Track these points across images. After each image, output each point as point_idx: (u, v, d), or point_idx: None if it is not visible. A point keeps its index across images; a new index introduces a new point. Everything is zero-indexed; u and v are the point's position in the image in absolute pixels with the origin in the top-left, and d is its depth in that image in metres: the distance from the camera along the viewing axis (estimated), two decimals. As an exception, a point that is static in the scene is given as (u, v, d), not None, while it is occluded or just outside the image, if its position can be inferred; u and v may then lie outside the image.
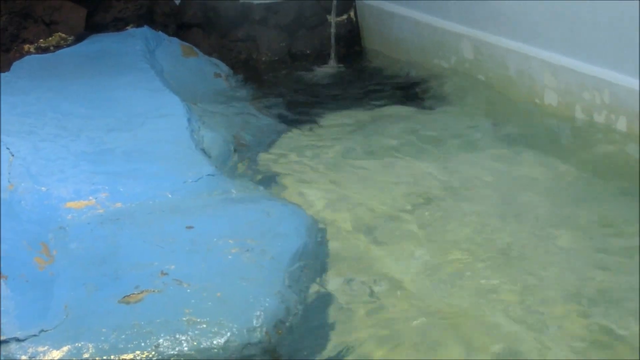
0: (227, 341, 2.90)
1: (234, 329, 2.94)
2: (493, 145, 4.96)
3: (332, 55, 7.10)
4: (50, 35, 5.87)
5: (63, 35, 5.90)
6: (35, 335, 2.87)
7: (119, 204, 3.82)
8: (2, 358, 2.74)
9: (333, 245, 3.83)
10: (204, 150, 4.52)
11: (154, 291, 3.10)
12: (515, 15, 5.57)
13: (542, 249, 3.74)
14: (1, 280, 3.05)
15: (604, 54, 4.88)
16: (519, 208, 4.14)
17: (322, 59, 7.07)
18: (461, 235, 3.89)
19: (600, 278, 3.49)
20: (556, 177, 4.48)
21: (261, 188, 4.41)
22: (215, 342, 2.90)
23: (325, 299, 3.41)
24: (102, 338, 2.87)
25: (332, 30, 7.19)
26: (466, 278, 3.53)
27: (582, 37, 5.04)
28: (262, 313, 3.02)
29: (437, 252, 3.77)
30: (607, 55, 4.85)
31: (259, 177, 4.62)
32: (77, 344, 2.84)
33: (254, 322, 2.99)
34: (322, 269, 3.60)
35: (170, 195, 3.94)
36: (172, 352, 2.85)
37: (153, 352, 2.84)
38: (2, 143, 4.14)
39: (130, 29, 6.25)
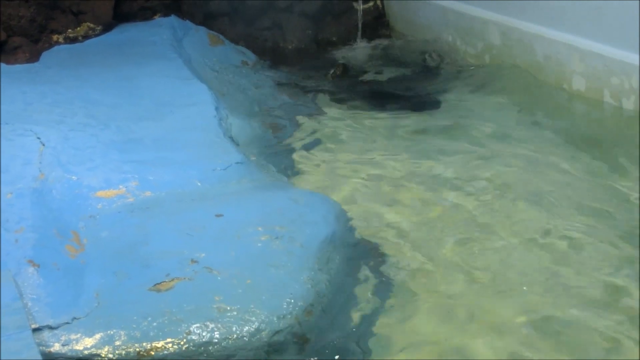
0: (257, 328, 2.92)
1: (264, 316, 2.95)
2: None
3: (359, 42, 7.09)
4: (79, 25, 5.90)
5: (91, 25, 5.93)
6: (67, 323, 2.89)
7: (148, 193, 3.83)
8: (35, 345, 2.77)
9: (361, 232, 3.83)
10: (232, 138, 4.54)
11: (184, 279, 3.12)
12: (543, 0, 5.53)
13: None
14: (34, 269, 3.08)
15: (631, 38, 4.83)
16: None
17: (349, 46, 7.06)
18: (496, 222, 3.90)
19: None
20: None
21: (289, 175, 4.43)
22: (245, 329, 2.91)
23: (354, 285, 3.42)
24: (134, 325, 2.89)
25: (359, 16, 7.18)
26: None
27: (609, 21, 5.00)
28: (291, 299, 3.03)
29: (465, 238, 3.78)
30: (635, 39, 4.80)
31: (288, 163, 4.63)
32: (108, 332, 2.86)
33: (284, 308, 3.00)
34: (351, 256, 3.60)
35: (199, 184, 3.95)
36: (203, 340, 2.87)
37: (184, 340, 2.86)
38: (32, 132, 4.17)
39: (158, 18, 6.27)
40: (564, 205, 4.00)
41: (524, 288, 3.37)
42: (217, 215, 3.58)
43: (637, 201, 4.03)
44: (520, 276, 3.46)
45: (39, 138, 4.13)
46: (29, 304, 2.93)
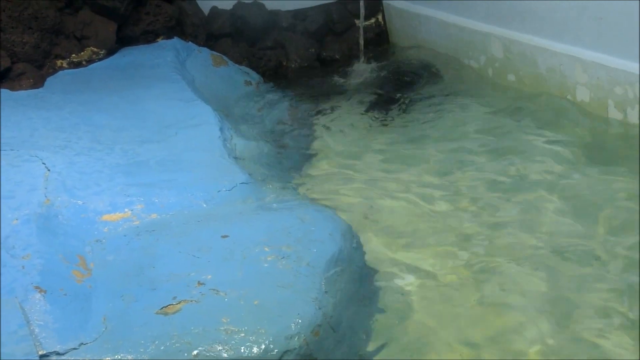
0: (265, 349, 2.90)
1: (272, 337, 2.94)
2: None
3: (361, 58, 7.10)
4: (82, 50, 5.92)
5: (94, 49, 5.95)
6: (75, 349, 2.88)
7: (154, 215, 3.84)
8: (43, 372, 2.77)
9: (368, 250, 3.83)
10: (237, 159, 4.54)
11: (191, 301, 3.11)
12: (544, 12, 5.54)
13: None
14: (40, 295, 3.08)
15: (634, 47, 4.83)
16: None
17: (352, 63, 7.08)
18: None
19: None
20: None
21: (295, 194, 4.43)
22: (254, 350, 2.90)
23: (362, 304, 3.42)
24: (141, 349, 2.88)
25: (361, 34, 7.20)
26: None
27: (611, 31, 5.00)
28: (299, 320, 3.02)
29: (477, 254, 3.78)
30: (638, 48, 4.80)
31: (293, 182, 4.64)
32: (116, 356, 2.86)
33: (292, 329, 2.99)
34: (358, 274, 3.60)
35: (204, 205, 3.95)
36: (211, 362, 2.87)
37: (192, 362, 2.85)
38: (38, 158, 4.18)
39: (161, 41, 6.29)
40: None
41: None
42: (223, 236, 3.58)
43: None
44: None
45: (44, 163, 4.14)
46: (36, 330, 2.92)
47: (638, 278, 3.46)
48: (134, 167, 4.25)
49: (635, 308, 3.29)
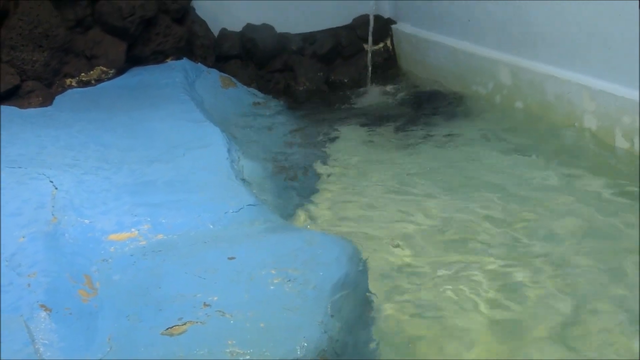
0: (270, 372, 2.90)
1: (278, 360, 2.93)
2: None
3: (369, 83, 7.12)
4: (92, 69, 5.95)
5: (104, 68, 5.97)
6: (80, 368, 2.89)
7: (160, 236, 3.83)
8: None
9: (373, 273, 3.82)
10: (244, 180, 4.54)
11: (197, 322, 3.10)
12: (553, 40, 5.55)
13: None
14: (46, 314, 3.07)
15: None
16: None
17: (360, 87, 7.10)
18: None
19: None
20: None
21: (302, 216, 4.43)
22: (258, 373, 2.89)
23: (367, 328, 3.41)
24: (147, 370, 2.88)
25: (369, 58, 7.23)
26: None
27: (619, 59, 5.01)
28: (305, 343, 3.00)
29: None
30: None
31: (301, 204, 4.64)
32: (121, 376, 2.86)
33: (298, 352, 2.96)
34: (364, 297, 3.59)
35: (211, 226, 3.94)
36: (216, 384, 2.85)
37: (197, 384, 2.84)
38: (45, 176, 4.19)
39: (170, 61, 6.31)
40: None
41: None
42: (230, 258, 3.57)
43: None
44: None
45: (52, 181, 4.15)
46: (41, 349, 2.91)
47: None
48: (142, 187, 4.25)
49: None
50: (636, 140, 4.88)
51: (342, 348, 3.15)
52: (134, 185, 4.26)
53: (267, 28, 7.04)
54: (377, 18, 7.37)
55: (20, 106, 5.44)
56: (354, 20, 7.43)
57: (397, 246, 4.13)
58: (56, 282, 3.31)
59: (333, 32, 7.34)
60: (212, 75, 6.39)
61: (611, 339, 3.28)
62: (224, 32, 6.99)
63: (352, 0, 7.39)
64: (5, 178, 4.15)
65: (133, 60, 6.20)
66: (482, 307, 3.55)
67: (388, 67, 7.44)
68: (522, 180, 4.83)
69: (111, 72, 6.02)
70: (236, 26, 7.02)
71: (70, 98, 5.68)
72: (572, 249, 3.98)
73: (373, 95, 6.89)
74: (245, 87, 6.56)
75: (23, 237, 3.58)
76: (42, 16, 5.68)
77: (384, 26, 7.48)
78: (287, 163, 5.21)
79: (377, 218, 4.47)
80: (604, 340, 3.28)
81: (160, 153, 4.67)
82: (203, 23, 6.81)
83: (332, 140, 5.77)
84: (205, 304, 3.21)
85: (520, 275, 3.79)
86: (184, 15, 6.53)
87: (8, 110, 5.29)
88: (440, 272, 3.87)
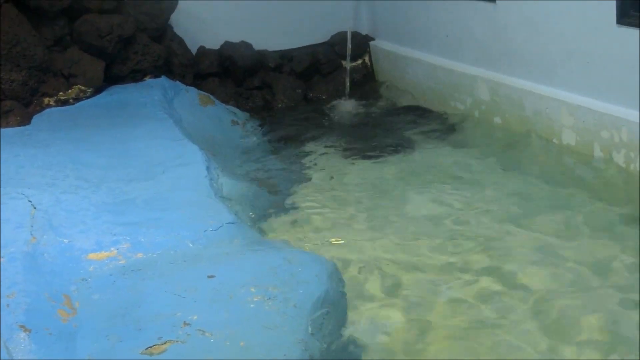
0: (251, 390, 2.89)
1: (258, 379, 2.92)
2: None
3: (347, 99, 7.14)
4: (70, 88, 5.94)
5: (82, 87, 5.97)
6: (59, 389, 2.87)
7: (140, 254, 3.82)
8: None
9: (352, 291, 3.83)
10: (223, 198, 4.54)
11: (177, 342, 3.09)
12: (531, 56, 5.59)
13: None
14: (25, 334, 3.05)
15: (620, 91, 4.87)
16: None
17: (338, 104, 7.10)
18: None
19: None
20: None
21: (281, 234, 4.43)
22: (239, 391, 2.88)
23: (348, 346, 3.41)
24: (127, 390, 2.87)
25: (347, 74, 7.25)
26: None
27: (598, 75, 5.04)
28: (285, 362, 3.01)
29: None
30: (624, 93, 4.84)
31: (280, 222, 4.64)
32: (101, 397, 2.84)
33: (278, 371, 2.97)
34: (344, 314, 3.59)
35: (191, 245, 3.93)
36: (196, 403, 2.84)
37: (177, 404, 2.83)
38: (24, 196, 4.17)
39: (148, 80, 6.32)
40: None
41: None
42: (210, 276, 3.56)
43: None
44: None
45: (30, 201, 4.13)
46: (21, 370, 2.90)
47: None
48: (121, 206, 4.24)
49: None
50: (615, 155, 4.91)
51: (323, 366, 3.15)
52: (113, 204, 4.25)
53: (245, 45, 7.06)
54: (355, 35, 7.40)
55: (-2, 126, 5.43)
56: (332, 37, 7.46)
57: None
58: (35, 302, 3.29)
59: (311, 49, 7.37)
60: (191, 94, 6.40)
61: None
62: (202, 50, 7.00)
63: (330, 17, 7.41)
64: (-17, 198, 4.13)
65: (111, 78, 6.19)
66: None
67: (366, 83, 7.46)
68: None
69: (89, 90, 6.01)
70: (214, 44, 7.03)
71: (49, 117, 5.67)
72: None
73: (350, 111, 6.90)
74: (223, 104, 6.57)
75: (2, 258, 3.56)
76: (20, 35, 5.67)
77: (362, 43, 7.51)
78: (265, 180, 5.21)
79: (353, 233, 4.48)
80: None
81: (139, 172, 4.66)
82: (181, 41, 6.82)
83: (309, 156, 5.77)
84: (185, 323, 3.19)
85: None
86: (162, 33, 6.55)
87: (-14, 130, 5.28)
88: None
